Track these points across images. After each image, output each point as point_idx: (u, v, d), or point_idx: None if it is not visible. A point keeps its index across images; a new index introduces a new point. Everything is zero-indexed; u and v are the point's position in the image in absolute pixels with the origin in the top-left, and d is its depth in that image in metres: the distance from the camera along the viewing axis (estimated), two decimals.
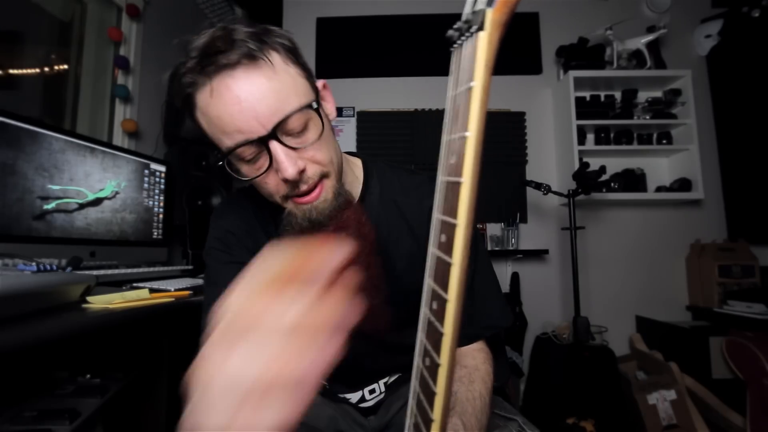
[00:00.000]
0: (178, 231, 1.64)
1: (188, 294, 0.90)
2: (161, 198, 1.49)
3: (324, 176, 0.52)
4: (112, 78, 1.67)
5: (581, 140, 2.12)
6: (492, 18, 0.21)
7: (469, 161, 0.22)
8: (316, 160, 0.50)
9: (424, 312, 0.29)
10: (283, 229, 0.55)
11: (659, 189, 2.15)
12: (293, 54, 0.50)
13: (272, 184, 0.51)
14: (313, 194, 0.51)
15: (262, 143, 0.46)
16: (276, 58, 0.47)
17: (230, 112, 0.45)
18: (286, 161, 0.47)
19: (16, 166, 0.97)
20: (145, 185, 1.42)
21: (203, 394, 0.22)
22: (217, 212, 0.67)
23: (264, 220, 0.63)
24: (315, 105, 0.48)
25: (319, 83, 0.55)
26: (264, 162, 0.48)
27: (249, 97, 0.45)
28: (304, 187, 0.50)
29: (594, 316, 1.91)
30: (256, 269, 0.26)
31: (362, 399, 0.69)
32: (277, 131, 0.46)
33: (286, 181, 0.49)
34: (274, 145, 0.46)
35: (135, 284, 1.00)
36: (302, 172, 0.49)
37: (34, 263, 0.71)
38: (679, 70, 2.13)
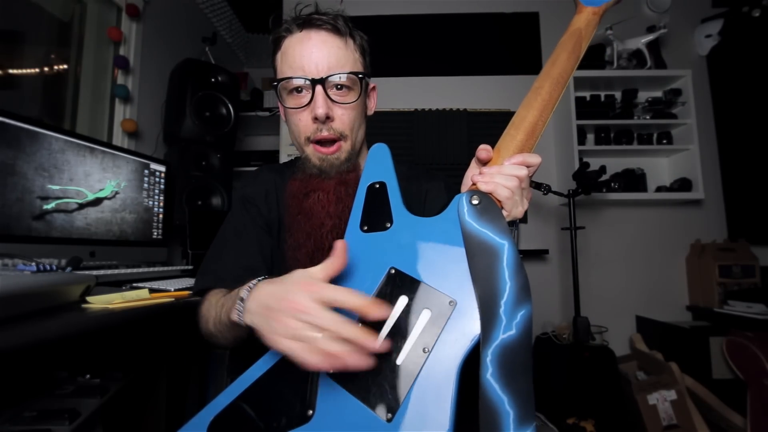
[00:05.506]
0: (178, 231, 1.64)
1: (188, 294, 0.89)
2: (161, 198, 1.49)
3: (342, 137, 0.65)
4: (112, 78, 1.67)
5: (581, 140, 2.12)
6: None
7: None
8: (343, 120, 0.64)
9: None
10: (297, 170, 0.68)
11: (659, 189, 2.15)
12: (363, 50, 0.67)
13: (303, 122, 0.64)
14: (332, 148, 0.64)
15: (311, 84, 0.61)
16: (351, 41, 0.64)
17: (302, 54, 0.61)
18: (321, 102, 0.61)
19: (16, 166, 0.97)
20: (145, 185, 1.41)
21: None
22: (244, 180, 0.78)
23: (277, 184, 0.74)
24: (360, 75, 0.63)
25: (371, 83, 0.71)
26: (305, 100, 0.62)
27: (320, 50, 0.61)
28: (325, 134, 0.63)
29: (594, 316, 1.90)
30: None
31: None
32: (326, 81, 0.61)
33: (315, 119, 0.62)
34: (318, 89, 0.61)
35: (135, 284, 1.00)
36: (329, 119, 0.62)
37: (33, 263, 0.71)
38: (679, 70, 2.13)
